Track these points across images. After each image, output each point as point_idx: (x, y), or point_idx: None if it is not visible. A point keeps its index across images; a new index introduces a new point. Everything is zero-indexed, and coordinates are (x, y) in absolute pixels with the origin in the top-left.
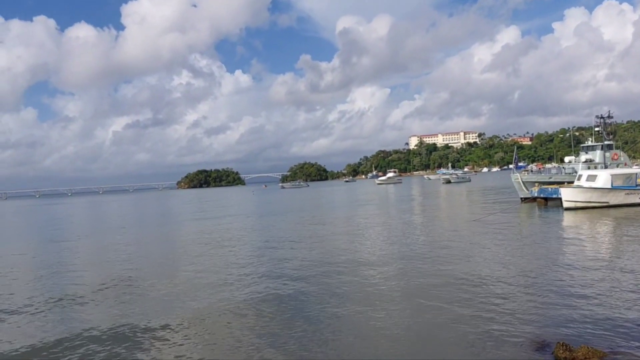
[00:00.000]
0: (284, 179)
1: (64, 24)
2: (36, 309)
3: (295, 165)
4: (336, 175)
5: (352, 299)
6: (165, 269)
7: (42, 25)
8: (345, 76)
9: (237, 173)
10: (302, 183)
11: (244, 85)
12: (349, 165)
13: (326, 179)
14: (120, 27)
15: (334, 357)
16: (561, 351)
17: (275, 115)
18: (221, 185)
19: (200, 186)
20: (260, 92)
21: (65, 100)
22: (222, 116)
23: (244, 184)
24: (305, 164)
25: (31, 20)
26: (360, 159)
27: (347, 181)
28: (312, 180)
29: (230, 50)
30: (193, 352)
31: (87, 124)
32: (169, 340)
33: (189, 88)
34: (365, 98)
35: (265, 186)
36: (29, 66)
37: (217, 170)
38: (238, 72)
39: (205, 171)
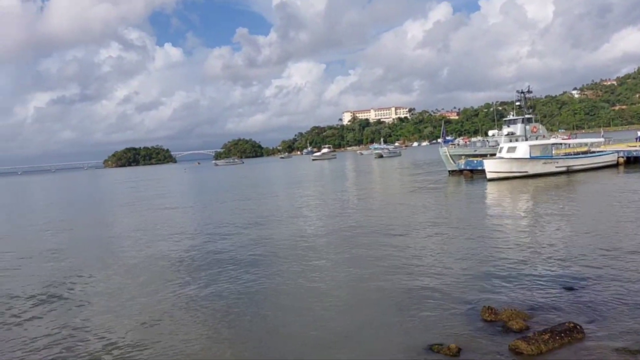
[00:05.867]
0: (218, 155)
1: None
2: None
3: (229, 142)
4: (271, 152)
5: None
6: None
7: None
8: (282, 51)
9: (167, 150)
10: (236, 160)
11: (175, 59)
12: (283, 141)
13: (261, 155)
14: None
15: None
16: (487, 314)
17: (210, 90)
18: (151, 164)
19: (129, 165)
20: (194, 67)
21: None
22: (154, 91)
23: (175, 161)
24: (239, 140)
25: None
26: (295, 135)
27: (282, 157)
28: (247, 157)
29: (164, 23)
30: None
31: (6, 100)
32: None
33: (119, 62)
34: (301, 73)
35: (199, 163)
36: None
37: (146, 148)
38: (167, 46)
39: (134, 149)
